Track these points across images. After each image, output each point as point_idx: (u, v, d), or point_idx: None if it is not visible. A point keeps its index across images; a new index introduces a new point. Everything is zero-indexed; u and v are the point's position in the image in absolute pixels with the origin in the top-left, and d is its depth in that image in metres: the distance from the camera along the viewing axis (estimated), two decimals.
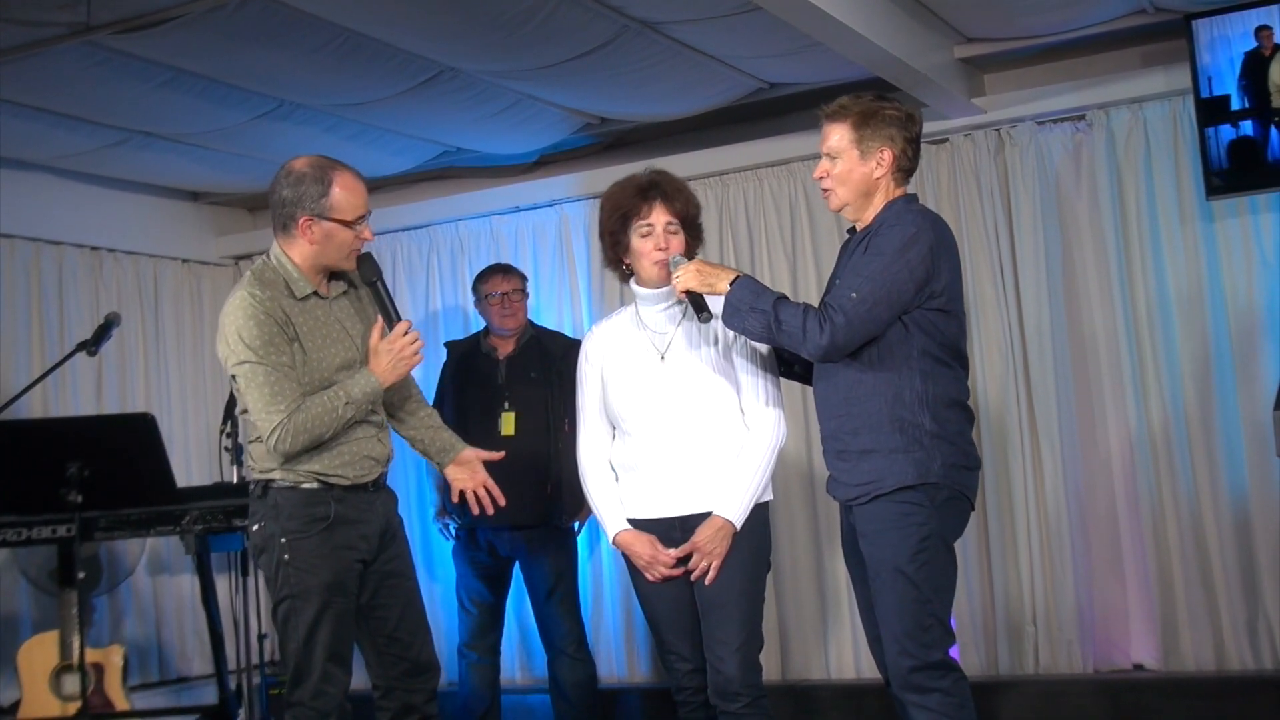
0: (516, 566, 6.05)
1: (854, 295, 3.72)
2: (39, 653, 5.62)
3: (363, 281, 4.16)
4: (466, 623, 6.06)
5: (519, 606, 6.55)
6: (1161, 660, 5.78)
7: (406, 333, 4.07)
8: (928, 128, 5.95)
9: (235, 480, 5.84)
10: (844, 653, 6.31)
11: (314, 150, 5.77)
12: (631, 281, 4.20)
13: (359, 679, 4.17)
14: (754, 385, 4.08)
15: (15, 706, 5.66)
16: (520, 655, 6.88)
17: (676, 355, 4.09)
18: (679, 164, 6.38)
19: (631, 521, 4.10)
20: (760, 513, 4.06)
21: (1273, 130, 5.43)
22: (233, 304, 3.97)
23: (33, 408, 6.25)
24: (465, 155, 6.95)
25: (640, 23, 5.21)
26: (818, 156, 6.02)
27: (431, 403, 6.06)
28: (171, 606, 7.05)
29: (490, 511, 4.40)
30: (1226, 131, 5.49)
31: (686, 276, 3.93)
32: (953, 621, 3.84)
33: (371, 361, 4.06)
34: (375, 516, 4.14)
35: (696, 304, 3.95)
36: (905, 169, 3.94)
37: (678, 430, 4.03)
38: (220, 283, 7.74)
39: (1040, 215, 5.99)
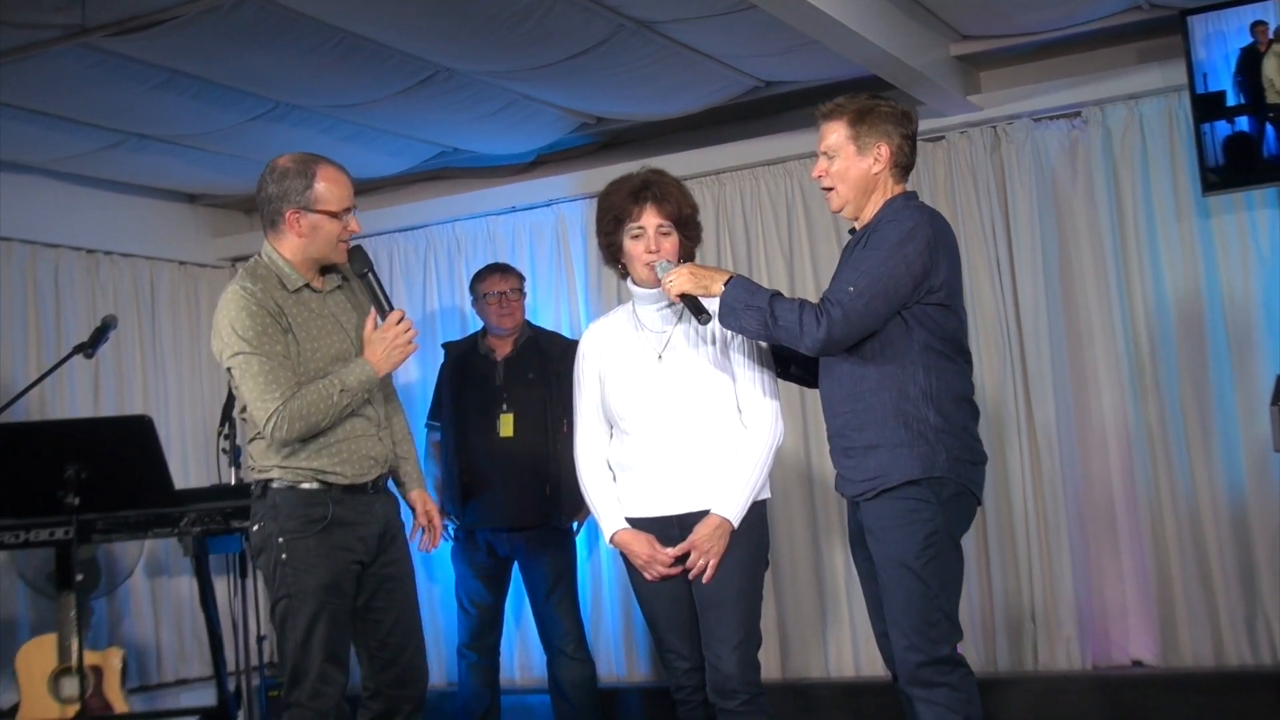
0: (515, 567, 6.06)
1: (851, 289, 3.73)
2: (37, 656, 5.62)
3: (354, 273, 4.19)
4: (466, 623, 6.06)
5: (518, 607, 6.55)
6: (1160, 656, 5.79)
7: (399, 322, 4.08)
8: (924, 125, 5.98)
9: (233, 482, 5.84)
10: (843, 650, 6.31)
11: (309, 151, 5.81)
12: (628, 281, 4.22)
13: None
14: (751, 384, 4.09)
15: (14, 710, 5.65)
16: (520, 655, 6.88)
17: (674, 355, 4.10)
18: (675, 163, 6.39)
19: (629, 520, 4.10)
20: (758, 511, 4.07)
21: (1268, 126, 5.43)
22: (225, 298, 4.04)
23: (30, 410, 6.24)
24: (462, 155, 6.95)
25: (636, 22, 5.21)
26: (814, 155, 6.02)
27: (430, 404, 6.11)
28: (170, 608, 7.05)
29: (431, 545, 4.44)
30: (1222, 128, 5.49)
31: (679, 280, 3.93)
32: None
33: (366, 351, 4.08)
34: (374, 519, 4.15)
35: (694, 307, 3.95)
36: (903, 165, 3.95)
37: (675, 429, 4.04)
38: (217, 285, 7.72)
39: (1037, 212, 5.99)
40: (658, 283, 4.07)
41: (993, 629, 6.01)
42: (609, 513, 4.14)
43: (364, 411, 4.12)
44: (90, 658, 5.49)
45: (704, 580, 3.99)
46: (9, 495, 5.06)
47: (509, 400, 5.95)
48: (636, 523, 4.09)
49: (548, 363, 5.95)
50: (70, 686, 5.41)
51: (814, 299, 3.92)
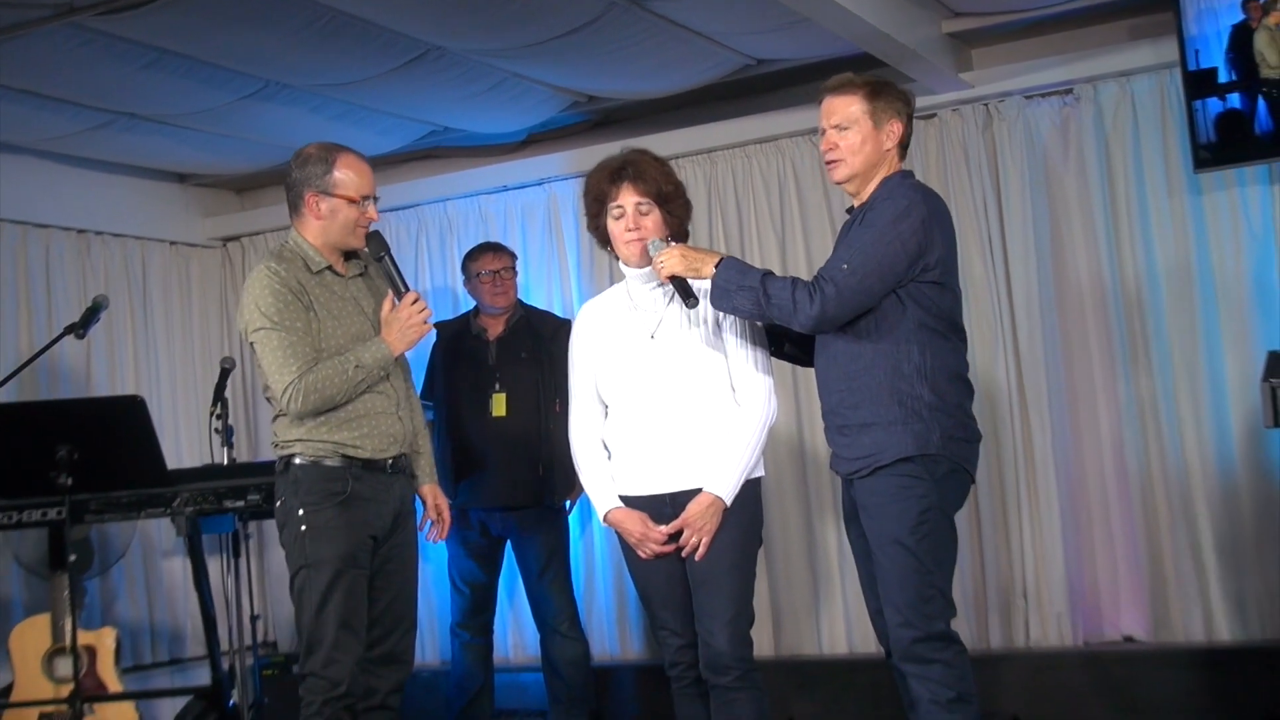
0: (508, 546, 6.06)
1: (845, 266, 3.77)
2: (31, 636, 5.62)
3: (371, 257, 4.35)
4: (459, 603, 6.07)
5: (511, 585, 6.56)
6: (1151, 632, 5.81)
7: (415, 303, 4.25)
8: (916, 102, 5.93)
9: (225, 462, 5.84)
10: (836, 627, 6.33)
11: (300, 130, 5.82)
12: (620, 261, 4.23)
13: None
14: (744, 362, 4.09)
15: (8, 690, 5.65)
16: (513, 634, 6.89)
17: (666, 334, 4.10)
18: (667, 141, 6.40)
19: (623, 499, 4.12)
20: (751, 489, 4.08)
21: (1260, 102, 5.43)
22: (252, 278, 4.23)
23: (22, 391, 6.23)
24: (452, 134, 6.93)
25: None
26: (807, 132, 6.03)
27: (421, 384, 6.11)
28: (163, 589, 7.05)
29: (439, 537, 4.56)
30: (1214, 104, 5.49)
31: (670, 262, 3.95)
32: None
33: (383, 331, 4.25)
34: (391, 498, 4.29)
35: (683, 290, 3.97)
36: (905, 145, 4.02)
37: (668, 408, 4.05)
38: (208, 264, 7.72)
39: (1028, 189, 5.99)
40: (645, 262, 4.09)
41: (984, 605, 6.02)
42: (602, 491, 4.16)
43: (383, 389, 4.27)
44: (84, 638, 5.48)
45: (696, 558, 4.00)
46: (1, 476, 5.06)
47: (501, 380, 5.96)
48: (630, 501, 4.11)
49: (540, 342, 5.95)
50: (64, 667, 5.41)
51: (807, 277, 3.94)
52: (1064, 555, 5.87)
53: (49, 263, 6.81)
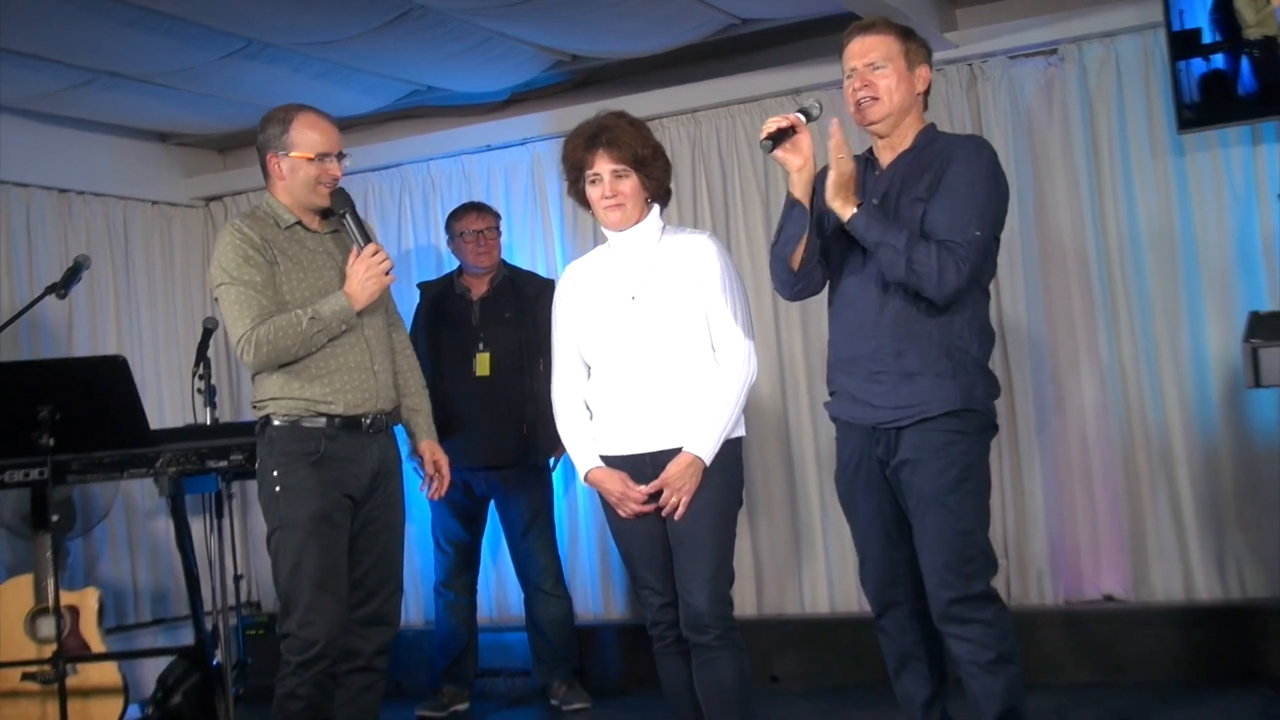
0: (492, 505, 6.08)
1: (978, 233, 3.73)
2: (13, 596, 5.62)
3: (335, 212, 4.33)
4: (443, 562, 6.09)
5: (495, 545, 6.58)
6: (1131, 591, 5.84)
7: (374, 255, 4.24)
8: None
9: (208, 422, 5.83)
10: (818, 587, 6.35)
11: (283, 90, 5.78)
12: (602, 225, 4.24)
13: None
14: (726, 322, 4.09)
15: None
16: (497, 593, 6.90)
17: (647, 294, 4.09)
18: (651, 101, 6.39)
19: (604, 458, 4.13)
20: (733, 449, 4.09)
21: (1244, 62, 5.43)
22: (219, 237, 4.28)
23: (3, 351, 6.21)
24: (436, 94, 6.89)
25: None
26: (790, 92, 6.01)
27: None
28: (146, 549, 7.05)
29: (438, 493, 4.56)
30: (1198, 65, 5.49)
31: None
32: None
33: (345, 284, 4.25)
34: (368, 458, 4.28)
35: (778, 137, 3.78)
36: (926, 94, 4.00)
37: (648, 368, 4.05)
38: (190, 224, 7.69)
39: (1012, 150, 5.98)
40: (626, 225, 4.11)
41: None
42: (584, 451, 4.17)
43: (355, 344, 4.27)
44: (67, 598, 5.49)
45: (675, 518, 4.01)
46: None
47: (485, 340, 5.97)
48: (611, 461, 4.12)
49: (524, 302, 5.96)
50: (47, 627, 5.41)
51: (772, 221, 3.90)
52: (1045, 514, 5.90)
53: (30, 222, 6.77)
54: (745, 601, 6.39)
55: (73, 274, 5.58)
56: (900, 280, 3.75)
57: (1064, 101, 5.97)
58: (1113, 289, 5.86)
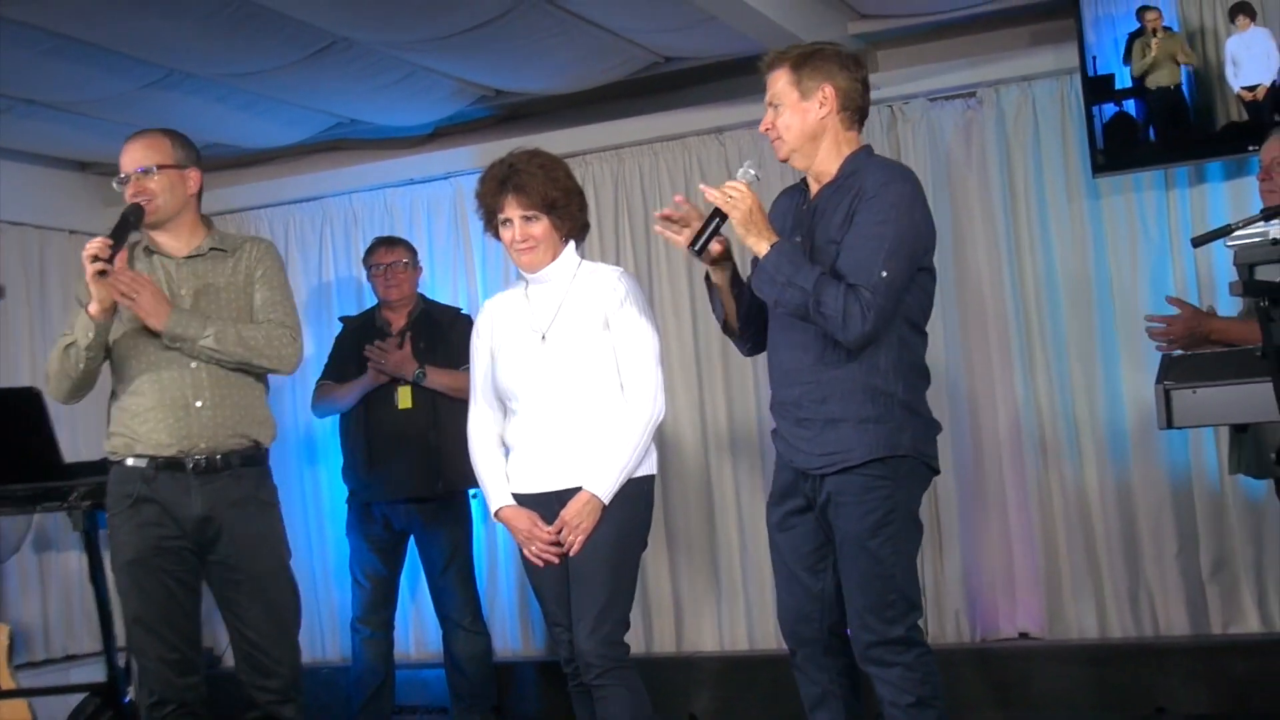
0: (411, 541, 6.04)
1: (885, 274, 3.62)
2: None
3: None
4: (360, 597, 6.04)
5: (413, 580, 6.53)
6: (1046, 628, 5.89)
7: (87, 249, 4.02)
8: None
9: None
10: (737, 624, 6.35)
11: (204, 120, 5.74)
12: None
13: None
14: (633, 361, 4.11)
15: None
16: (415, 629, 6.85)
17: (557, 334, 4.12)
18: (574, 137, 6.41)
19: (516, 496, 4.16)
20: (639, 486, 4.12)
21: (1151, 110, 5.53)
22: None
23: None
24: (359, 126, 6.87)
25: None
26: (713, 131, 6.04)
27: (322, 375, 6.08)
28: (58, 583, 6.94)
29: None
30: (1110, 110, 5.59)
31: (739, 206, 3.69)
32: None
33: None
34: (190, 502, 4.13)
35: (710, 229, 3.75)
36: (853, 109, 3.86)
37: (556, 408, 4.08)
38: None
39: (931, 191, 5.96)
40: (536, 268, 4.13)
41: None
42: (495, 488, 4.20)
43: (171, 379, 4.13)
44: None
45: (570, 554, 4.03)
46: None
47: None
48: (522, 499, 4.15)
49: (438, 332, 5.96)
50: None
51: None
52: (961, 552, 5.94)
53: None
54: (664, 638, 6.38)
55: None
56: (802, 319, 3.69)
57: (982, 143, 6.04)
58: (1029, 329, 5.93)
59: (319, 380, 6.12)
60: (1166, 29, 5.45)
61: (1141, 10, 5.47)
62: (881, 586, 3.72)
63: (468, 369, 4.42)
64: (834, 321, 3.61)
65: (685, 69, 6.25)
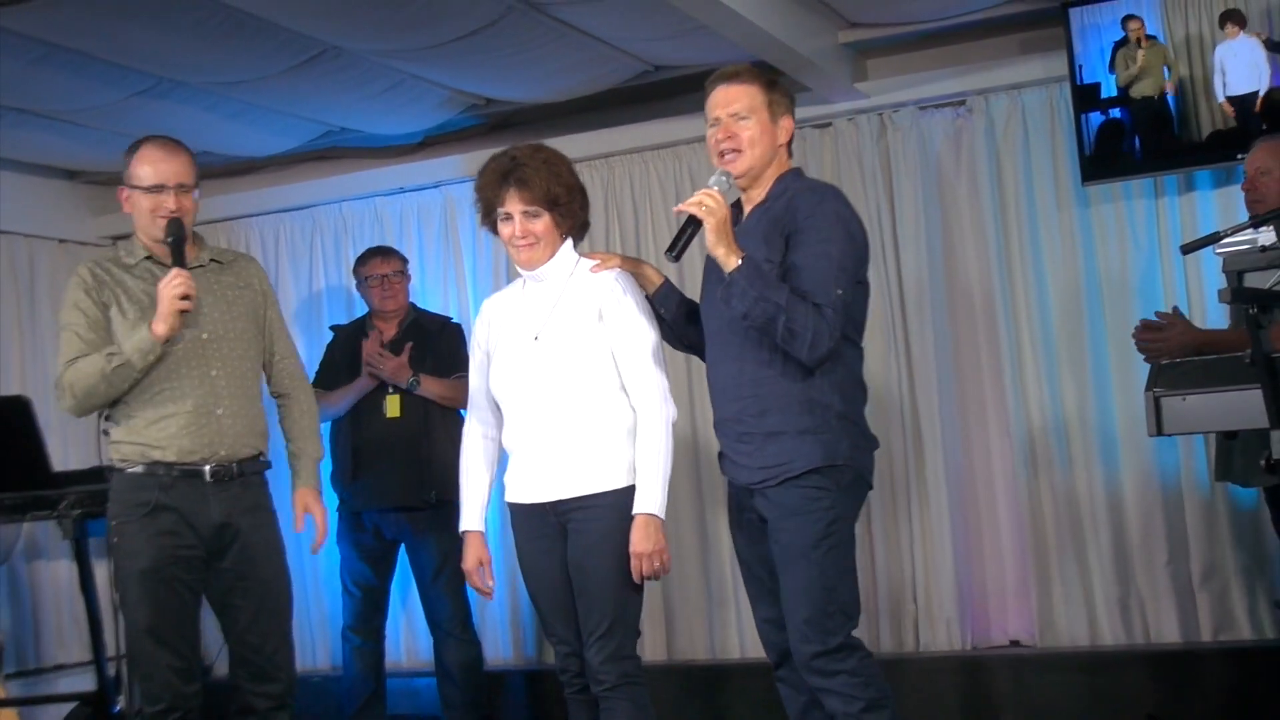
0: (401, 549, 6.03)
1: (839, 291, 3.66)
2: None
3: (164, 240, 4.21)
4: (350, 606, 6.03)
5: (404, 588, 6.52)
6: (1037, 636, 5.89)
7: (172, 280, 4.08)
8: (812, 112, 6.06)
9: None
10: (728, 633, 6.35)
11: (194, 129, 5.73)
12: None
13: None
14: (635, 363, 4.00)
15: None
16: (406, 638, 6.85)
17: (550, 334, 4.01)
18: (564, 145, 6.24)
19: (511, 505, 4.09)
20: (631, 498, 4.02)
21: (1138, 118, 5.55)
22: None
23: None
24: (349, 135, 6.87)
25: (525, 3, 5.19)
26: (703, 139, 6.03)
27: (313, 383, 6.07)
28: (48, 593, 6.92)
29: (314, 548, 4.53)
30: (1098, 118, 5.61)
31: (711, 214, 3.64)
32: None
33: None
34: (208, 510, 4.16)
35: (685, 237, 3.70)
36: (788, 146, 3.95)
37: (550, 413, 3.98)
38: None
39: (921, 199, 6.06)
40: (530, 266, 4.04)
41: (875, 610, 6.08)
42: (468, 508, 4.16)
43: (193, 387, 4.16)
44: None
45: (647, 578, 3.97)
46: None
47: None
48: (517, 509, 4.07)
49: (429, 341, 5.95)
50: None
51: (688, 287, 3.89)
52: (953, 560, 5.95)
53: None
54: (656, 648, 6.38)
55: None
56: (769, 335, 3.68)
57: (972, 152, 6.06)
58: (1019, 337, 5.94)
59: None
60: (1150, 38, 5.47)
61: (1126, 19, 5.49)
62: (824, 598, 3.72)
63: (459, 377, 4.39)
64: (802, 339, 3.63)
65: (675, 77, 6.25)
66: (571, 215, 4.08)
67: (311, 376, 6.07)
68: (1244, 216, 4.13)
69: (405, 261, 6.13)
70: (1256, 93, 5.34)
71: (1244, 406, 3.52)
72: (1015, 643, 5.97)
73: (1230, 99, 5.38)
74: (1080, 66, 5.58)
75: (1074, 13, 5.57)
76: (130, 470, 4.12)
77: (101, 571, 5.87)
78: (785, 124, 3.89)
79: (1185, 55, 5.46)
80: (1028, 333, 5.93)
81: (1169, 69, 5.46)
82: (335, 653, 6.58)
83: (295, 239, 7.26)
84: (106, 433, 4.27)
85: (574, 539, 3.99)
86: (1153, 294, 5.70)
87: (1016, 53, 5.98)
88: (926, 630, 5.98)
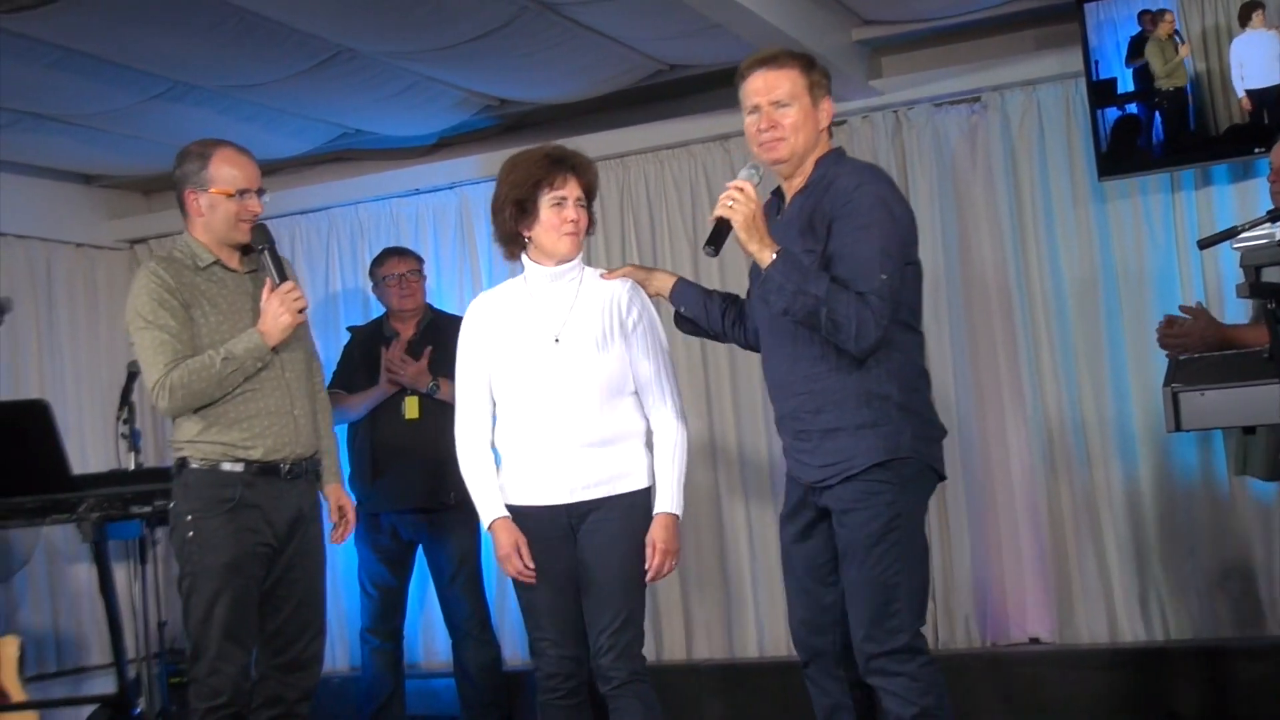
0: (419, 550, 6.04)
1: (884, 277, 3.55)
2: None
3: (254, 248, 4.28)
4: (369, 607, 6.04)
5: (422, 589, 6.53)
6: (1056, 633, 5.88)
7: (289, 291, 4.20)
8: None
9: (132, 467, 5.76)
10: (747, 632, 6.34)
11: (209, 132, 5.70)
12: (524, 256, 4.12)
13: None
14: (656, 374, 4.05)
15: None
16: (424, 639, 6.85)
17: (571, 337, 4.01)
18: (579, 145, 6.28)
19: (517, 509, 4.04)
20: (649, 497, 4.05)
21: (1156, 113, 5.53)
22: (135, 280, 4.21)
23: None
24: (364, 137, 6.89)
25: (539, 4, 5.19)
26: (719, 138, 6.03)
27: (331, 384, 6.09)
28: (68, 596, 6.95)
29: (340, 539, 4.55)
30: (1113, 114, 5.59)
31: (740, 213, 3.55)
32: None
33: (259, 321, 4.20)
34: (285, 505, 4.24)
35: (719, 234, 3.62)
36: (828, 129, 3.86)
37: (571, 416, 3.96)
38: (115, 266, 7.61)
39: (937, 196, 6.05)
40: (570, 255, 4.02)
41: None
42: (489, 499, 4.06)
43: (275, 388, 4.23)
44: None
45: (651, 579, 4.00)
46: None
47: None
48: (525, 511, 4.03)
49: (446, 343, 5.96)
50: None
51: (719, 284, 3.88)
52: (971, 558, 5.94)
53: None
54: (674, 646, 6.38)
55: None
56: (816, 329, 3.59)
57: (987, 148, 6.04)
58: (1036, 334, 5.93)
59: (328, 389, 6.12)
60: (1177, 32, 5.45)
61: (1145, 13, 5.47)
62: (886, 596, 3.64)
63: None
64: (846, 330, 3.53)
65: (690, 76, 6.25)
66: (592, 216, 4.11)
67: (328, 378, 6.12)
68: (1263, 210, 4.10)
69: (421, 261, 6.14)
70: (1276, 86, 5.31)
71: (1262, 401, 3.51)
72: (1035, 640, 5.96)
73: (1249, 93, 5.36)
74: (1096, 62, 5.57)
75: (1089, 8, 5.56)
76: (210, 467, 4.15)
77: (121, 574, 5.91)
78: (825, 106, 3.78)
79: (1202, 49, 5.44)
80: (1044, 329, 5.91)
81: (1191, 61, 5.44)
82: (354, 653, 6.60)
83: (311, 241, 7.28)
84: (172, 431, 4.30)
85: (586, 538, 4.00)
86: (1170, 290, 5.68)
87: (1031, 49, 5.97)
88: (945, 628, 5.98)
